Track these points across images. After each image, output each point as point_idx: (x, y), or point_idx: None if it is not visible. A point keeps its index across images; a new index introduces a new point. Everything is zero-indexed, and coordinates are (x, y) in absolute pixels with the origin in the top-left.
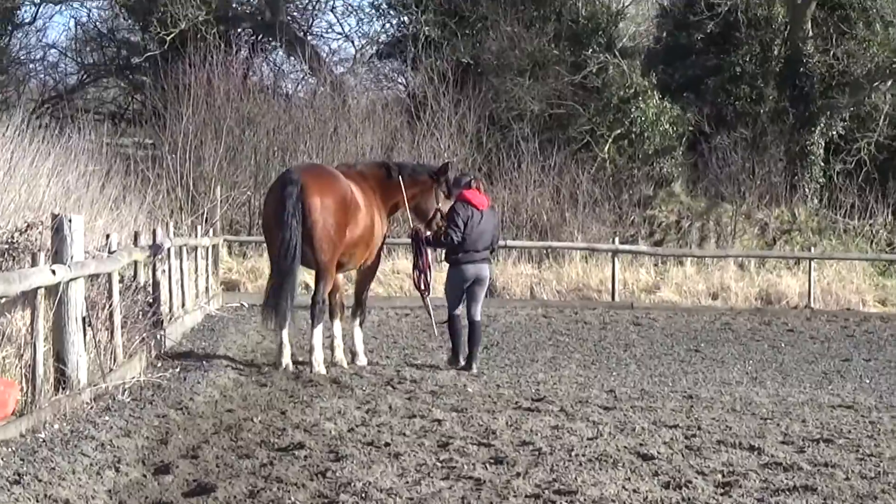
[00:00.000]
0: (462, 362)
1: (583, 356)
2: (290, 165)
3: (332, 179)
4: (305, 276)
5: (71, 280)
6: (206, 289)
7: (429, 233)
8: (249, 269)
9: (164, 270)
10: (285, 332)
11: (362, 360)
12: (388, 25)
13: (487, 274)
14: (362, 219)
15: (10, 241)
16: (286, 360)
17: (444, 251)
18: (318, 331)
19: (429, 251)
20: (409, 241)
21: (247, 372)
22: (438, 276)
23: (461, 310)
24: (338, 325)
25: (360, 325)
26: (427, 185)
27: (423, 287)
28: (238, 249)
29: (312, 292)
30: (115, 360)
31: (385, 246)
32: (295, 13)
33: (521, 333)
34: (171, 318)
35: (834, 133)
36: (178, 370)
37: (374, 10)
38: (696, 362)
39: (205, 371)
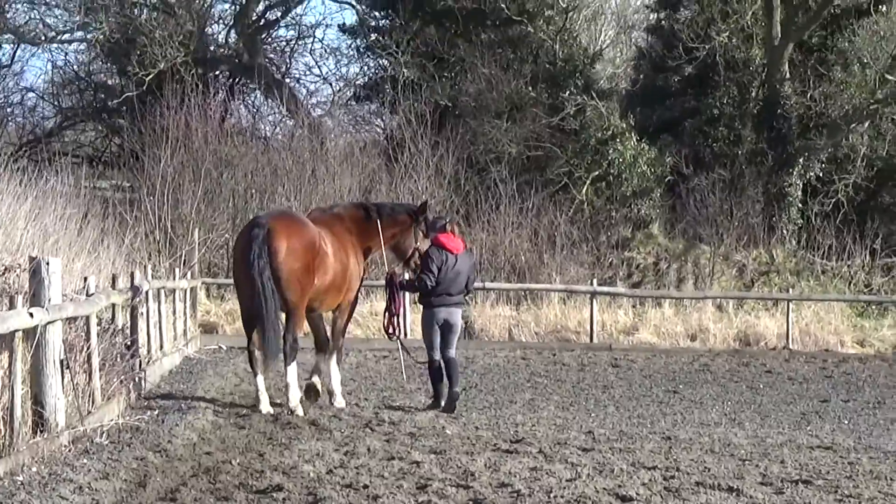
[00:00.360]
0: (443, 404)
1: (561, 398)
2: (268, 208)
3: (300, 225)
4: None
5: (49, 323)
6: (185, 331)
7: (406, 276)
8: (227, 311)
9: (142, 313)
10: (261, 378)
11: (340, 402)
12: (366, 68)
13: (459, 319)
14: (331, 265)
15: None
16: (266, 406)
17: (418, 294)
18: (293, 369)
19: (404, 294)
20: (385, 284)
21: (225, 414)
22: (415, 317)
23: (437, 355)
24: (326, 362)
25: (338, 363)
26: (406, 225)
27: (391, 330)
28: (216, 292)
29: (283, 331)
30: (93, 403)
31: (363, 287)
32: (273, 55)
33: (499, 375)
34: (149, 361)
35: (812, 174)
36: (156, 413)
37: (352, 53)
38: (675, 403)
39: (183, 413)
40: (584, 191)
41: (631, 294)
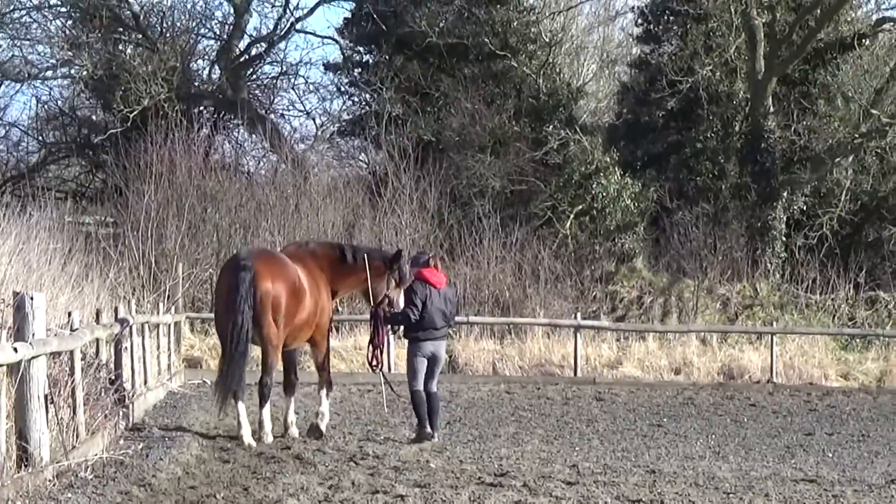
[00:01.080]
0: (428, 431)
1: (545, 431)
2: (251, 243)
3: (282, 266)
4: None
5: (33, 358)
6: (169, 366)
7: (391, 309)
8: (212, 345)
9: (126, 347)
10: (242, 406)
11: (324, 423)
12: (349, 103)
13: (444, 352)
14: (308, 303)
15: None
16: (248, 438)
17: (403, 328)
18: (267, 409)
19: (388, 328)
20: (369, 324)
21: (210, 448)
22: (400, 351)
23: (420, 386)
24: (291, 402)
25: (328, 395)
26: (380, 271)
27: (374, 362)
28: (200, 326)
29: (260, 374)
30: (77, 437)
31: (347, 321)
32: (256, 91)
33: (483, 409)
34: (133, 395)
35: (796, 208)
36: (140, 447)
37: (335, 88)
38: (659, 437)
39: (167, 448)
40: (567, 225)
41: (615, 328)
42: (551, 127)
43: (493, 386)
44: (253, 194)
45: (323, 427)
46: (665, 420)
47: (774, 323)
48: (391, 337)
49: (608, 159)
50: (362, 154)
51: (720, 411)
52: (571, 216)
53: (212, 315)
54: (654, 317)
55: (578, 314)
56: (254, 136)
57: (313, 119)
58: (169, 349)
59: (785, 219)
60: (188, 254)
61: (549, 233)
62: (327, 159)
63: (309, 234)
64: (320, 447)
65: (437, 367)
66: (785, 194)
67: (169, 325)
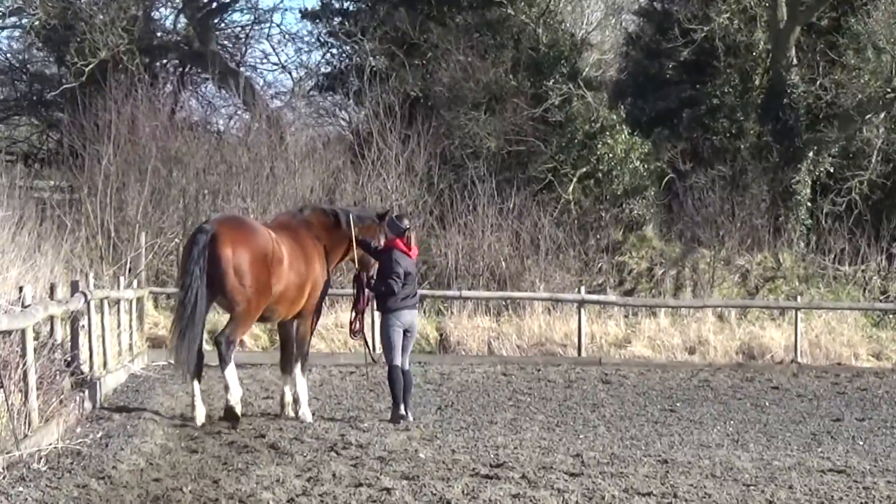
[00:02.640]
0: (402, 410)
1: (546, 417)
2: (222, 210)
3: (249, 231)
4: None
5: None
6: (130, 346)
7: (372, 273)
8: None
9: (83, 326)
10: (196, 384)
11: (306, 413)
12: (329, 55)
13: (416, 322)
14: (284, 274)
15: None
16: (200, 415)
17: (376, 302)
18: (231, 369)
19: (368, 293)
20: (352, 287)
21: (176, 437)
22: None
23: (398, 360)
24: (290, 379)
25: (302, 371)
26: (372, 232)
27: (356, 326)
28: (165, 302)
29: (219, 331)
30: (29, 425)
31: (327, 297)
32: (226, 42)
33: (477, 393)
34: (91, 379)
35: (822, 171)
36: (99, 436)
37: (314, 39)
38: (672, 423)
39: (129, 436)
40: (570, 189)
41: (623, 303)
42: (552, 81)
43: (488, 367)
44: (223, 156)
45: (304, 413)
46: (678, 405)
47: (799, 297)
48: (373, 303)
49: (615, 117)
50: (343, 112)
51: (739, 395)
52: (574, 180)
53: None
54: (665, 290)
55: (582, 288)
56: (224, 91)
57: (289, 73)
58: (131, 328)
59: (810, 182)
60: (151, 222)
61: (549, 198)
62: (305, 117)
63: (285, 200)
64: (298, 435)
65: (410, 340)
66: (810, 155)
67: (131, 301)
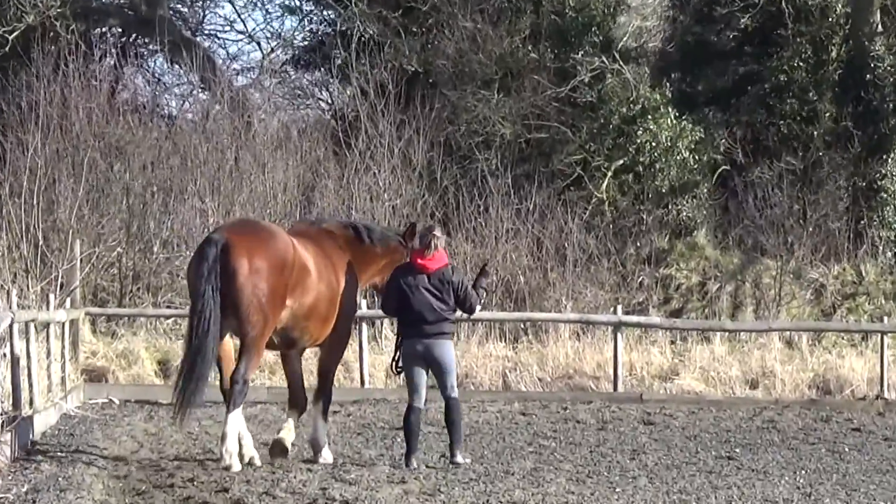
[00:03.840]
0: (415, 463)
1: (575, 467)
2: (174, 210)
3: (267, 237)
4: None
5: None
6: (63, 380)
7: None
8: (121, 352)
9: (4, 354)
10: (234, 416)
11: (327, 457)
12: (307, 22)
13: (444, 352)
14: (314, 285)
15: None
16: (234, 461)
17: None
18: (235, 416)
19: None
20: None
21: (118, 491)
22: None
23: (419, 401)
24: (292, 422)
25: (324, 413)
26: (399, 254)
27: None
28: (105, 326)
29: (233, 370)
30: None
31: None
32: (180, 6)
33: (490, 437)
34: (15, 420)
35: None
36: (25, 489)
37: (288, 3)
38: (730, 474)
39: (61, 490)
40: (604, 186)
41: (669, 326)
42: (581, 53)
43: (503, 405)
44: (176, 146)
45: (326, 458)
46: (737, 451)
47: (886, 318)
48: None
49: (658, 97)
50: (325, 91)
51: (812, 438)
52: (609, 174)
53: (122, 311)
54: (721, 311)
55: (619, 307)
56: (177, 66)
57: (258, 44)
58: (63, 357)
59: None
60: (88, 227)
61: (578, 197)
62: (277, 98)
63: (252, 199)
64: (269, 489)
65: (440, 370)
66: None
67: (63, 325)
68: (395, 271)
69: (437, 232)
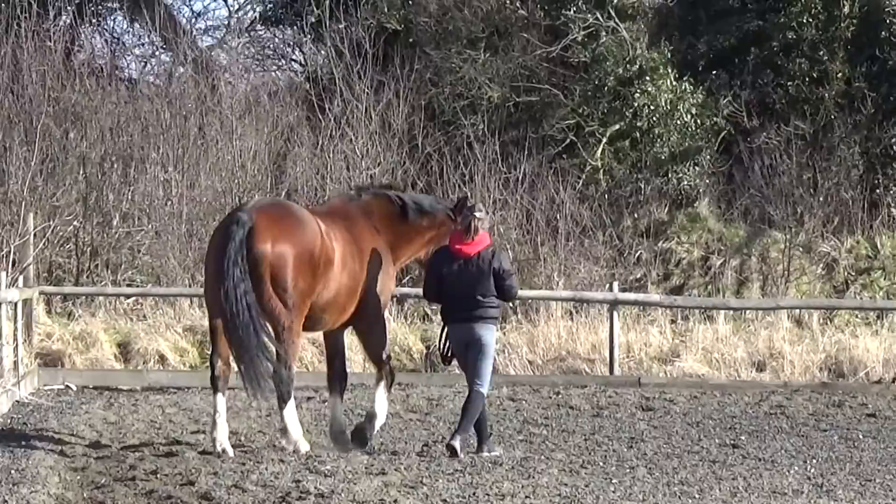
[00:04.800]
0: (486, 452)
1: (568, 456)
2: (134, 180)
3: (294, 221)
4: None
5: None
6: (15, 364)
7: None
8: (78, 334)
9: None
10: (221, 397)
11: (372, 432)
12: None
13: (482, 336)
14: (335, 277)
15: None
16: (222, 436)
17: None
18: (290, 408)
19: None
20: None
21: (76, 485)
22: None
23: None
24: (337, 402)
25: (389, 388)
26: (445, 229)
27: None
28: (61, 306)
29: (274, 363)
30: None
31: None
32: None
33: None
34: None
35: None
36: None
37: None
38: (735, 463)
39: (14, 484)
40: (598, 153)
41: (669, 304)
42: (573, 10)
43: (490, 390)
44: (137, 112)
45: (375, 426)
46: (743, 438)
47: None
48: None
49: (657, 57)
50: (297, 52)
51: (824, 424)
52: (604, 140)
53: (79, 290)
54: (726, 287)
55: (615, 284)
56: (137, 26)
57: (224, 0)
58: (15, 340)
59: None
60: (42, 199)
61: (571, 165)
62: (245, 60)
63: (219, 168)
64: (238, 482)
65: (475, 353)
66: None
67: (15, 305)
68: (434, 256)
69: (479, 213)
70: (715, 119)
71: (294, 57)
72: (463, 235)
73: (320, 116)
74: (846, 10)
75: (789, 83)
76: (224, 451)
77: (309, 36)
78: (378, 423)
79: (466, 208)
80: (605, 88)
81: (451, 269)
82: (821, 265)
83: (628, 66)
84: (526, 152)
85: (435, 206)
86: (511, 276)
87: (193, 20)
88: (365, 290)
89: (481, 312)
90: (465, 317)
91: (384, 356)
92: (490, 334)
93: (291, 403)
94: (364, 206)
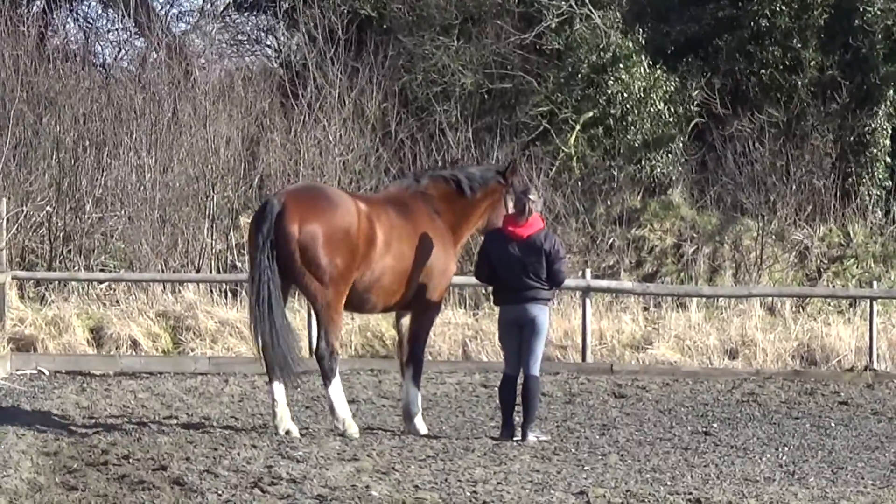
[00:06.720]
0: (518, 434)
1: (540, 443)
2: (108, 166)
3: (326, 202)
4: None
5: None
6: None
7: None
8: (50, 319)
9: None
10: (279, 386)
11: (420, 426)
12: None
13: (534, 316)
14: (378, 258)
15: None
16: (285, 423)
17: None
18: (335, 386)
19: None
20: None
21: (48, 469)
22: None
23: (513, 369)
24: (410, 385)
25: (416, 380)
26: (498, 195)
27: None
28: (33, 291)
29: (316, 343)
30: None
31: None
32: None
33: (449, 410)
34: None
35: None
36: None
37: None
38: (707, 451)
39: None
40: (571, 141)
41: (642, 291)
42: None
43: (463, 376)
44: (110, 97)
45: (419, 428)
46: (715, 426)
47: (875, 283)
48: None
49: (630, 44)
50: (271, 37)
51: (795, 412)
52: (577, 128)
53: (51, 275)
54: (698, 275)
55: (588, 271)
56: (111, 11)
57: None
58: None
59: (889, 130)
60: (15, 184)
61: (544, 152)
62: (219, 45)
63: (193, 153)
64: (210, 467)
65: (529, 333)
66: (890, 94)
67: None
68: (487, 237)
69: (533, 196)
70: (688, 107)
71: (268, 43)
72: (517, 217)
73: (293, 102)
74: None
75: (762, 71)
76: (288, 431)
77: (283, 21)
78: (419, 422)
79: (521, 191)
80: (579, 76)
81: (505, 250)
82: (793, 253)
83: (602, 53)
84: (499, 139)
85: (487, 175)
86: (561, 260)
87: (167, 5)
88: (419, 274)
89: (534, 294)
90: (519, 297)
91: (421, 342)
92: (544, 315)
93: (336, 381)
94: (422, 192)
